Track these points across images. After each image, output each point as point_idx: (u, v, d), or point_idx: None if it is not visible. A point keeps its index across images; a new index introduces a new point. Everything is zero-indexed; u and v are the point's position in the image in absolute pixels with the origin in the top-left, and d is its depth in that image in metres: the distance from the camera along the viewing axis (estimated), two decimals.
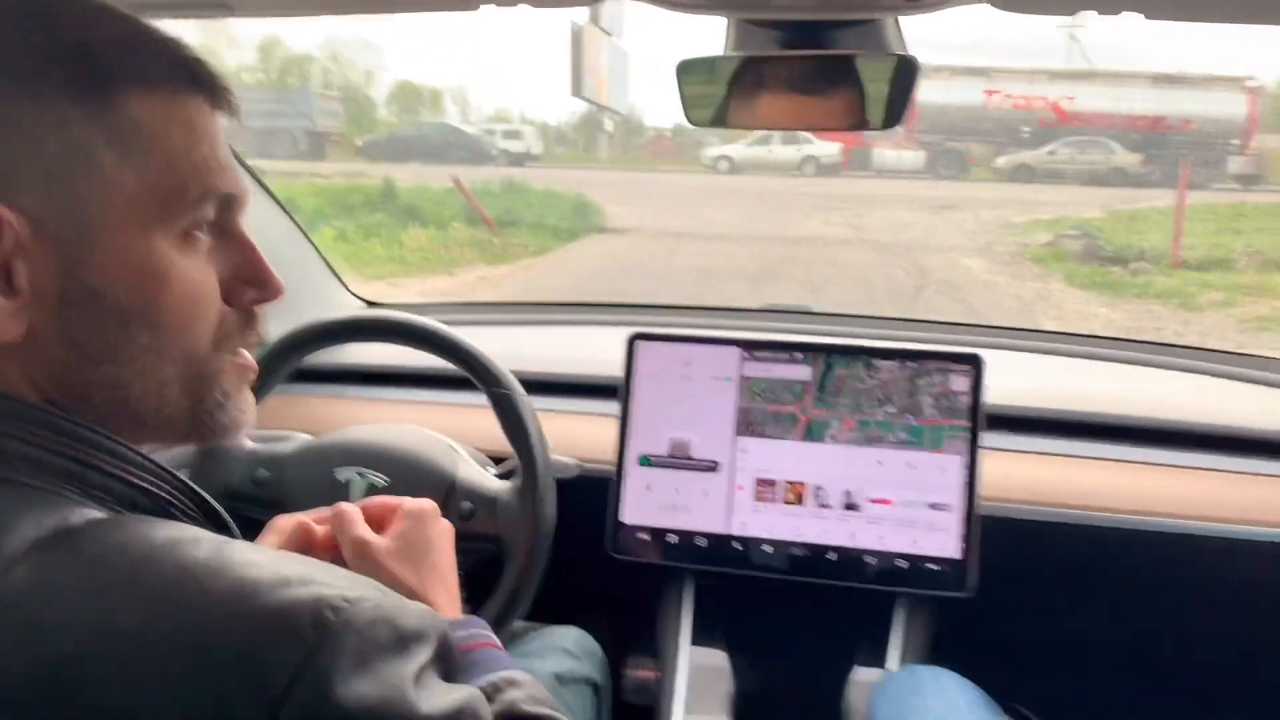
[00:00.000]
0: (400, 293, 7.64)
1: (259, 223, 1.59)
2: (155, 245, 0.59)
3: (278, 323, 1.64)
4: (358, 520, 0.87)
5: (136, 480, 0.58)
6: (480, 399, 1.23)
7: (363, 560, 0.84)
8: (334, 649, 0.47)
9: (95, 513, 0.54)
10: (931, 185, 14.74)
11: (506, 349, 1.23)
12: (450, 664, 0.57)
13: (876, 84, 0.99)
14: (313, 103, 19.88)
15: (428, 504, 0.89)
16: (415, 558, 0.85)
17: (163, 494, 0.59)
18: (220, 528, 0.62)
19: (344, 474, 1.18)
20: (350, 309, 1.86)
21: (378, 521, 0.88)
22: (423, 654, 0.52)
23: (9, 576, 0.49)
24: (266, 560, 0.51)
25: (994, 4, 0.82)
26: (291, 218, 1.70)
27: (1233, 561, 1.31)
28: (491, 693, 0.72)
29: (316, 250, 1.78)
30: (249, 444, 1.24)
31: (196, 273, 0.62)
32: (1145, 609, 1.42)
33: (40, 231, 0.55)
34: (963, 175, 16.49)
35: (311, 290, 1.79)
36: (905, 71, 0.95)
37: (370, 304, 1.92)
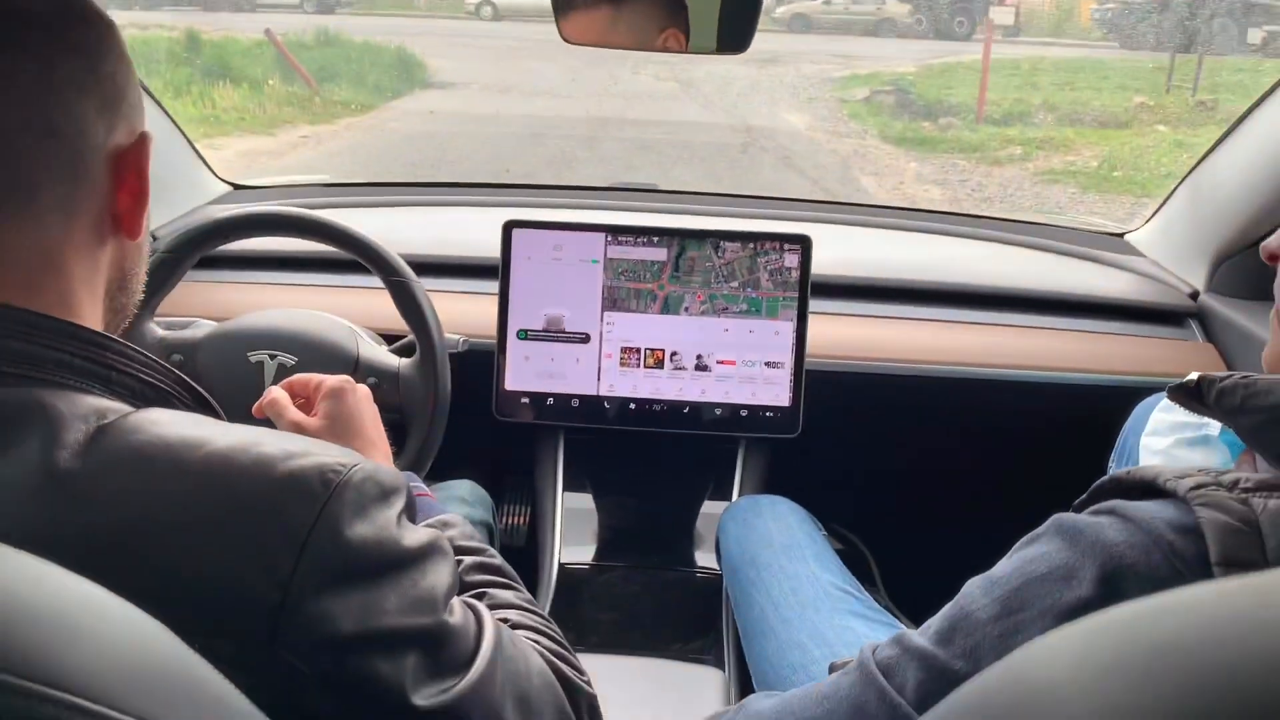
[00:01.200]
0: (219, 154, 7.32)
1: None
2: None
3: (155, 213, 1.70)
4: (289, 405, 1.01)
5: (144, 376, 0.70)
6: (365, 281, 1.37)
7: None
8: (339, 501, 0.62)
9: (123, 406, 0.66)
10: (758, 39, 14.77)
11: (388, 233, 1.35)
12: (413, 510, 0.74)
13: (706, 7, 1.09)
14: None
15: (344, 379, 1.04)
16: (344, 431, 1.00)
17: (164, 386, 0.71)
18: (209, 411, 0.75)
19: (256, 356, 1.30)
20: (219, 192, 1.92)
21: (303, 400, 1.03)
22: (399, 503, 0.68)
23: (75, 462, 0.60)
24: (271, 438, 0.65)
25: None
26: (155, 100, 1.73)
27: (1010, 398, 1.61)
28: None
29: (182, 133, 1.82)
30: (159, 331, 1.33)
31: None
32: (941, 441, 1.72)
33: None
34: None
35: (178, 176, 1.83)
36: (743, 1, 1.08)
37: (236, 186, 1.97)
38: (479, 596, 0.84)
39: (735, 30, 1.12)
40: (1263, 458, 0.67)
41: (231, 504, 0.61)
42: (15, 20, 0.64)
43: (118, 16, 0.74)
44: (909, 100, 10.51)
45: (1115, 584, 0.59)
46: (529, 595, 0.89)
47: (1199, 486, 0.60)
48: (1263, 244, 0.74)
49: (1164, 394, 1.25)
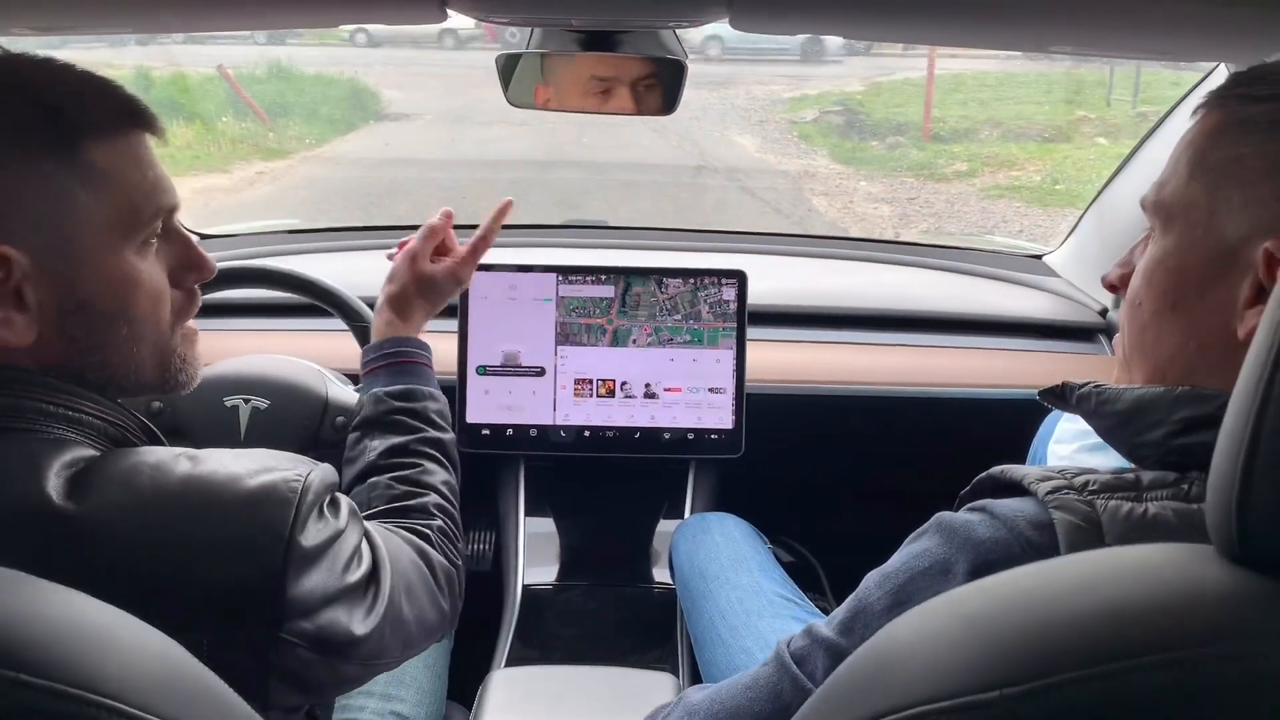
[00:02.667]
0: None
1: None
2: (124, 258, 0.76)
3: None
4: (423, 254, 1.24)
5: (106, 417, 0.77)
6: (330, 325, 1.46)
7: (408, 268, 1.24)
8: (304, 505, 0.74)
9: (92, 450, 0.73)
10: (705, 63, 14.95)
11: (351, 276, 1.46)
12: (337, 487, 0.83)
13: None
14: None
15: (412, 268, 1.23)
16: (422, 295, 1.22)
17: (121, 424, 0.78)
18: (158, 443, 0.82)
19: (232, 401, 1.38)
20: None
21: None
22: (327, 494, 0.79)
23: (63, 501, 0.68)
24: (228, 458, 0.75)
25: (731, 24, 1.09)
26: None
27: (936, 413, 1.72)
28: (415, 395, 1.10)
29: None
30: None
31: (155, 272, 0.80)
32: (875, 455, 1.83)
33: (40, 262, 0.71)
34: None
35: None
36: (671, 70, 1.21)
37: (203, 236, 2.05)
38: (416, 465, 1.04)
39: (665, 94, 1.25)
40: (1118, 452, 0.78)
41: (218, 514, 0.72)
42: None
43: (66, 55, 0.75)
44: (858, 120, 10.68)
45: (983, 575, 0.69)
46: (455, 481, 1.07)
47: (1054, 490, 0.70)
48: (1102, 275, 0.85)
49: None
